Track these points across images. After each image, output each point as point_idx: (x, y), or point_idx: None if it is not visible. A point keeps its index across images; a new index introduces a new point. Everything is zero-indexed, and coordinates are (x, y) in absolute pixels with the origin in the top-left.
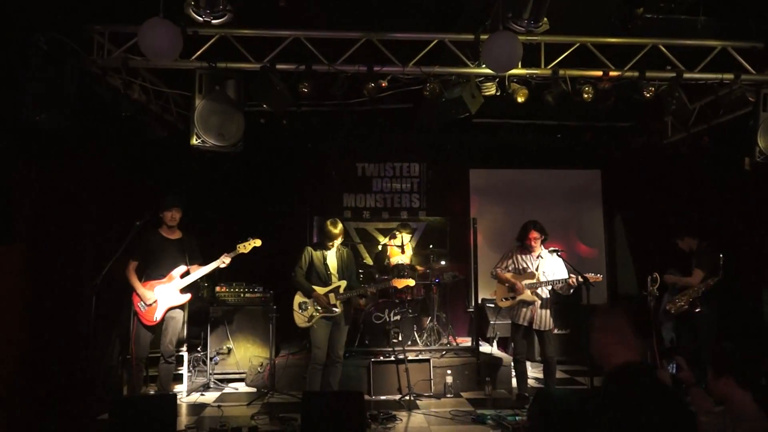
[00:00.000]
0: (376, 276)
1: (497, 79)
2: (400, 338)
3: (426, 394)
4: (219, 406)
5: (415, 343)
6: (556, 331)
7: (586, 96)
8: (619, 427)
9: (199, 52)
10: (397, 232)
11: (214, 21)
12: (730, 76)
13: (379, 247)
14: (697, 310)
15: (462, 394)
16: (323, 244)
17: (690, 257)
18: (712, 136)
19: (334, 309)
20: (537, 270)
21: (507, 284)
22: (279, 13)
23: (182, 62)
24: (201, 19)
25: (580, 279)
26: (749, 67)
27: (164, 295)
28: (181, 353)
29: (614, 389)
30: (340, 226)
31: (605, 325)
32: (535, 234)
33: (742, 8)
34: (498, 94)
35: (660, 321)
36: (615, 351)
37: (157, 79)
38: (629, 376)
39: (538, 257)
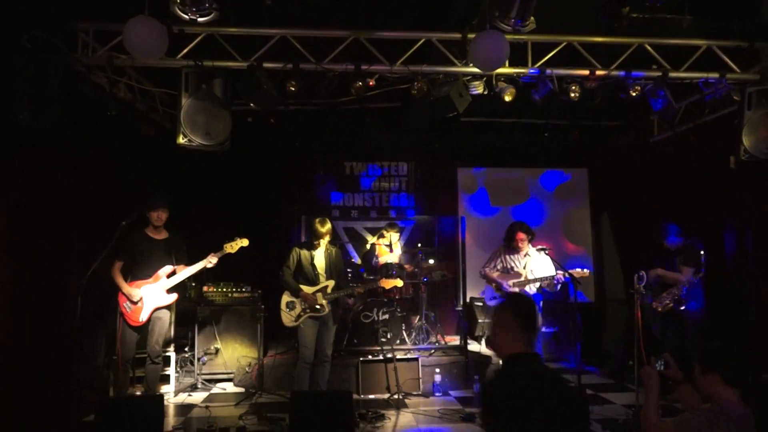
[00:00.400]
0: (364, 275)
1: (485, 78)
2: (388, 337)
3: (414, 393)
4: (207, 407)
5: (403, 342)
6: (543, 329)
7: (573, 95)
8: (510, 411)
9: (185, 51)
10: (385, 231)
11: (200, 19)
12: (716, 75)
13: (368, 246)
14: (682, 308)
15: (450, 392)
16: (311, 244)
17: (674, 255)
18: (697, 135)
19: (321, 308)
20: (524, 268)
21: (494, 284)
22: (266, 11)
23: (168, 60)
24: (187, 17)
25: (567, 275)
26: (734, 66)
27: (150, 296)
28: (168, 354)
29: (504, 376)
30: (328, 224)
31: (497, 321)
32: (521, 235)
33: (727, 8)
34: (485, 93)
35: (650, 319)
36: (505, 343)
37: (143, 77)
38: (516, 365)
39: (525, 255)
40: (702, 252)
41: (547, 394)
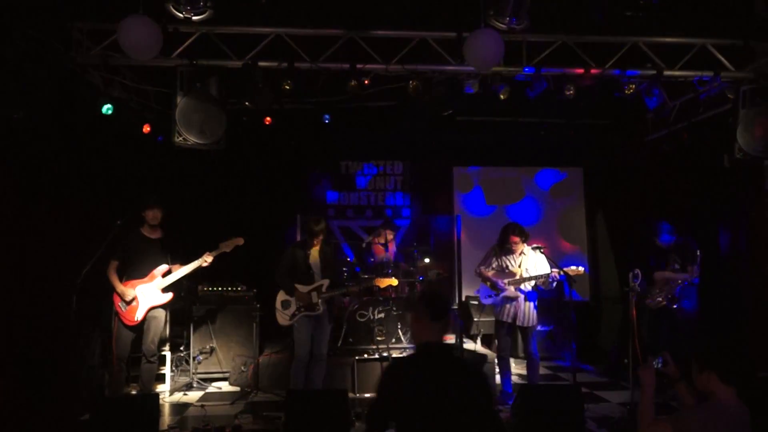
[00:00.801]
0: (360, 274)
1: (480, 77)
2: (384, 336)
3: None
4: (202, 406)
5: (399, 340)
6: (539, 328)
7: (567, 93)
8: (419, 393)
9: (179, 50)
10: (381, 230)
11: (194, 18)
12: (710, 73)
13: (364, 245)
14: (675, 306)
15: None
16: (306, 243)
17: (667, 254)
18: (692, 134)
19: (316, 307)
20: (520, 267)
21: (489, 283)
22: (260, 10)
23: (163, 59)
24: (181, 15)
25: (562, 273)
26: (728, 65)
27: (146, 295)
28: (163, 353)
29: (416, 362)
30: (322, 223)
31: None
32: (515, 238)
33: (723, 6)
34: (481, 91)
35: (646, 317)
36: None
37: (137, 76)
38: (427, 352)
39: (520, 254)
40: (698, 250)
41: (445, 380)
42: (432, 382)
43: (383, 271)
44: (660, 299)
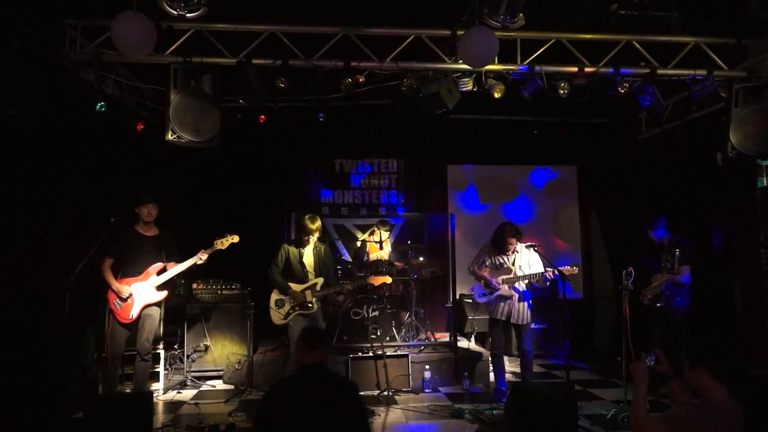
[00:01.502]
0: (355, 272)
1: (474, 75)
2: (378, 334)
3: (404, 390)
4: (196, 404)
5: (393, 338)
6: (533, 326)
7: (561, 92)
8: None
9: (173, 47)
10: (375, 228)
11: (188, 15)
12: (703, 72)
13: (358, 244)
14: (658, 305)
15: (440, 388)
16: (300, 241)
17: (659, 250)
18: (685, 132)
19: (310, 306)
20: (513, 265)
21: (483, 281)
22: (255, 7)
23: (157, 57)
24: (175, 12)
25: (556, 272)
26: (721, 63)
27: (140, 293)
28: (157, 351)
29: (294, 384)
30: (317, 221)
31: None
32: (512, 240)
33: (715, 4)
34: (475, 89)
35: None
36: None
37: (131, 73)
38: (306, 372)
39: (513, 252)
40: (678, 250)
41: (320, 397)
42: (307, 399)
43: (378, 269)
44: (650, 296)
